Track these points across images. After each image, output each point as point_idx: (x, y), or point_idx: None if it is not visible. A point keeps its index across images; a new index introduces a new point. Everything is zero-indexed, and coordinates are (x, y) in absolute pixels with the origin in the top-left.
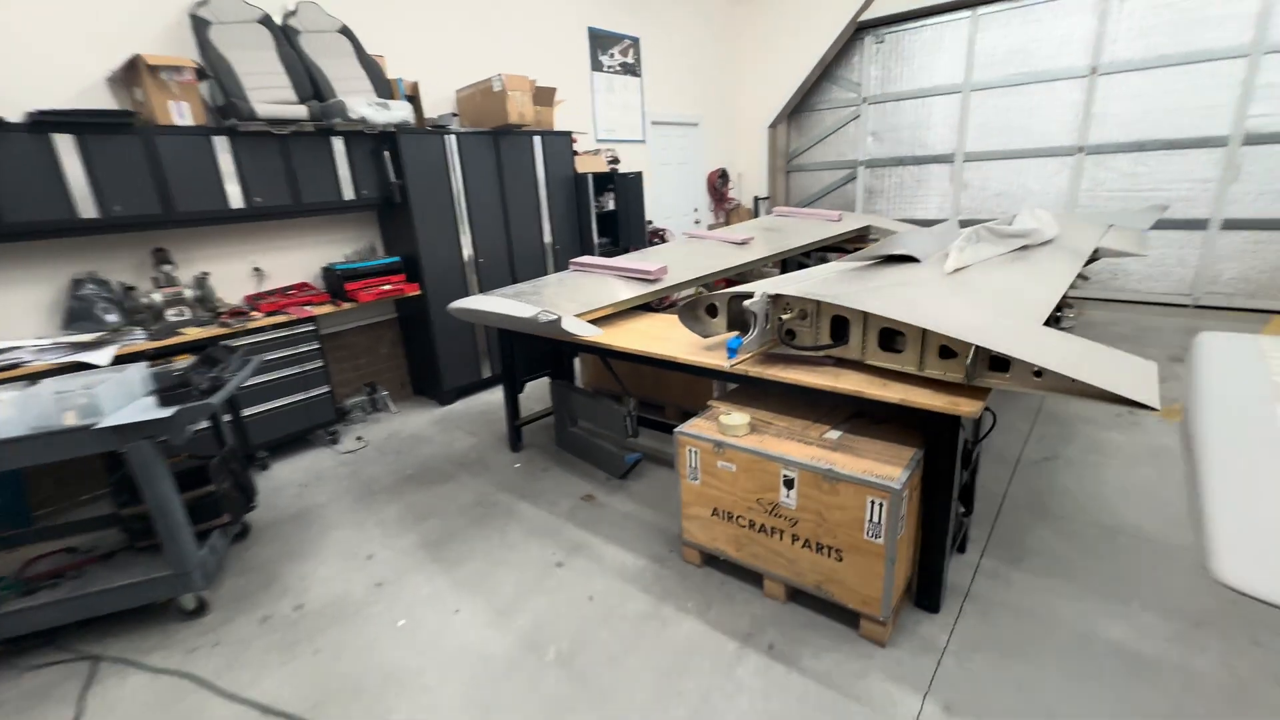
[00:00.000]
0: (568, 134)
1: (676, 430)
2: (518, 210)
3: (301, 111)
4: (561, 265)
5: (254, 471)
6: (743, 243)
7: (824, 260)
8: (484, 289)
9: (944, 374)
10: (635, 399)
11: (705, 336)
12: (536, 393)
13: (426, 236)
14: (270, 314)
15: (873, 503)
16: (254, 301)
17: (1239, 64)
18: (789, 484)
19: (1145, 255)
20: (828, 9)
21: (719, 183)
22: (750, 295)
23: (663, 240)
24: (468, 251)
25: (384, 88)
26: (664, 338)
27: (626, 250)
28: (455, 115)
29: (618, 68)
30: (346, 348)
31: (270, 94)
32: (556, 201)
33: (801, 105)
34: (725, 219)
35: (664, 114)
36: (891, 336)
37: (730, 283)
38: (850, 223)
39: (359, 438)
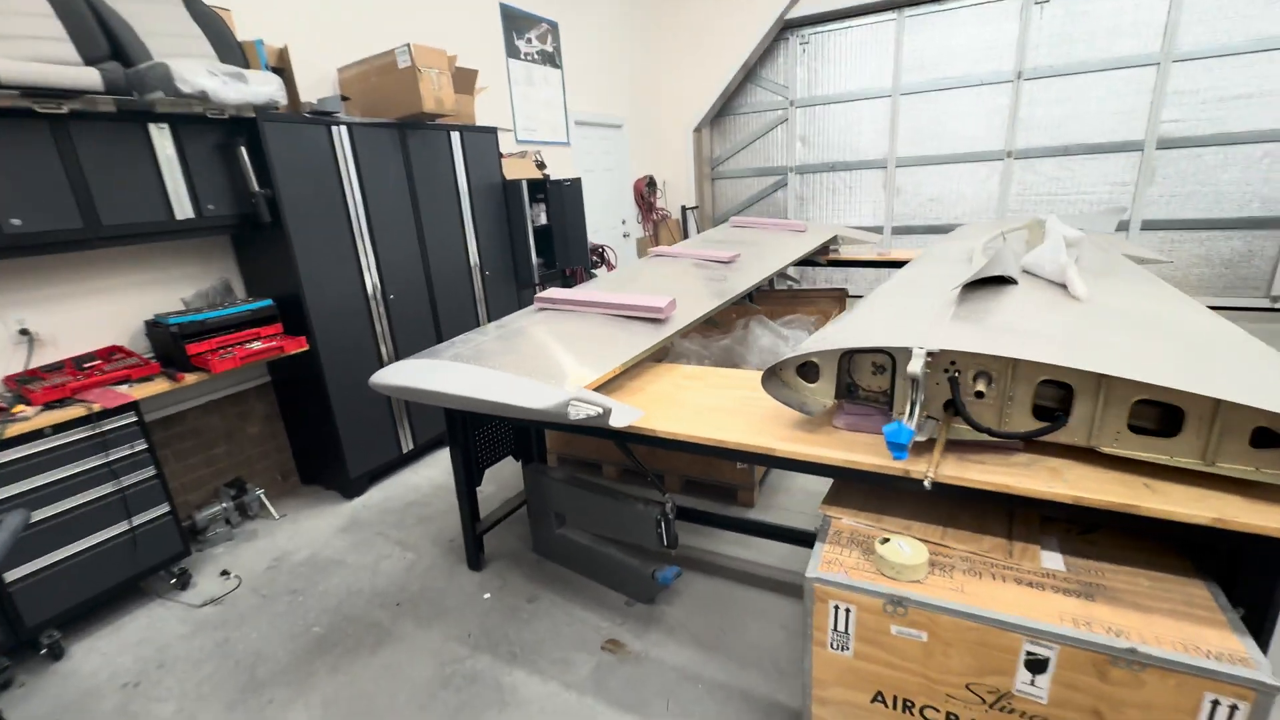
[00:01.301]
0: (493, 131)
1: (812, 577)
2: (436, 227)
3: (89, 78)
4: (494, 294)
5: (32, 670)
6: (729, 261)
7: (786, 280)
8: (398, 332)
9: (1256, 472)
10: (666, 491)
11: (804, 411)
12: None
13: (312, 267)
14: (51, 405)
15: (1215, 704)
16: (20, 386)
17: (1150, 71)
18: (1036, 665)
19: (1169, 262)
20: (752, 6)
21: (646, 191)
22: (879, 350)
23: (602, 260)
24: (372, 284)
25: (232, 52)
26: (718, 408)
27: (565, 275)
28: (343, 98)
29: (536, 55)
30: (195, 434)
31: (26, 47)
32: (483, 215)
33: (725, 109)
34: (653, 232)
35: (587, 113)
36: (1142, 409)
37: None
38: (816, 234)
39: (225, 572)
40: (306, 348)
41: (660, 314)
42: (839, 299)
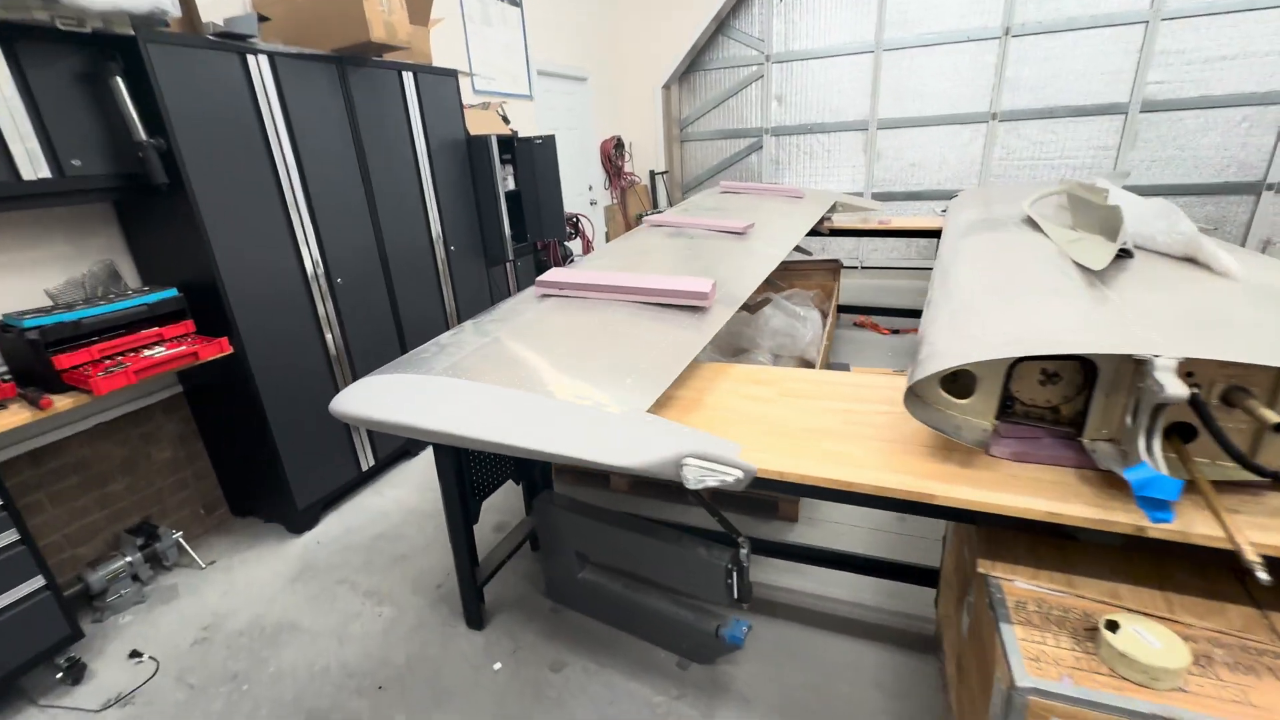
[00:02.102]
0: (453, 74)
1: (1026, 687)
2: (390, 192)
3: None
4: (461, 275)
5: None
6: (743, 232)
7: (800, 252)
8: (349, 325)
9: None
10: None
11: (960, 438)
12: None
13: (230, 244)
14: None
15: None
16: None
17: (1138, 30)
18: None
19: (1214, 230)
20: None
21: (615, 154)
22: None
23: (577, 231)
24: (312, 265)
25: None
26: (820, 430)
27: (537, 249)
28: (260, 18)
29: None
30: (80, 469)
31: None
32: (445, 178)
33: (696, 64)
34: (621, 199)
35: (550, 63)
36: None
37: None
38: (816, 201)
39: (135, 653)
40: (230, 350)
41: (704, 300)
42: (834, 271)
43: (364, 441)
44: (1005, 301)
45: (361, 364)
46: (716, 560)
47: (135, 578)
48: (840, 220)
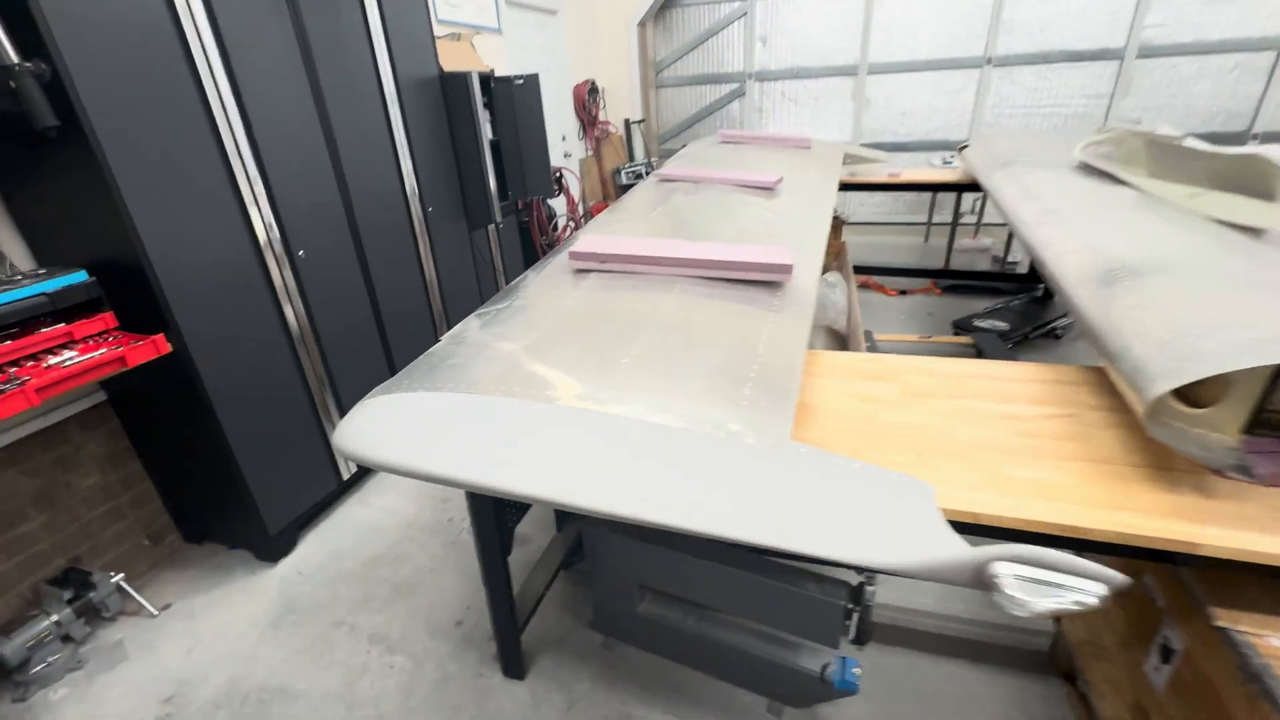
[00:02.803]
0: None
1: None
2: (354, 139)
3: None
4: (441, 241)
5: None
6: (772, 187)
7: None
8: (316, 308)
9: None
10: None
11: (1207, 460)
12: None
13: (152, 206)
14: None
15: None
16: None
17: None
18: None
19: None
20: None
21: (589, 100)
22: None
23: (560, 187)
24: (266, 233)
25: None
26: (989, 445)
27: (518, 209)
28: None
29: None
30: None
31: None
32: (419, 124)
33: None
34: (596, 150)
35: None
36: None
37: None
38: (826, 152)
39: None
40: (168, 350)
41: (787, 275)
42: (836, 228)
43: None
44: (1224, 282)
45: (334, 354)
46: (833, 598)
47: (67, 638)
48: (846, 172)
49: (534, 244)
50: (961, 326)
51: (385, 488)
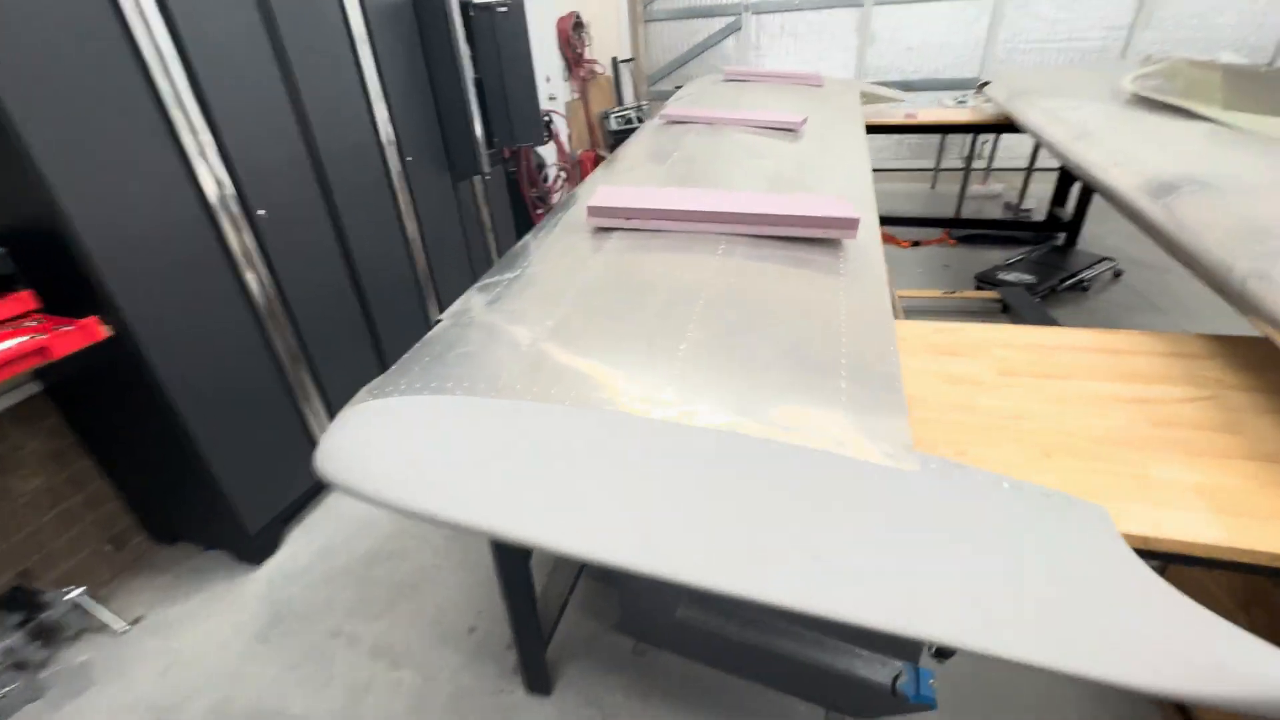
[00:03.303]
0: None
1: None
2: (317, 76)
3: None
4: (423, 194)
5: None
6: (797, 129)
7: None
8: (285, 278)
9: None
10: None
11: None
12: None
13: (73, 163)
14: None
15: None
16: None
17: None
18: None
19: None
20: None
21: (574, 36)
22: None
23: (550, 133)
24: (218, 190)
25: None
26: (1130, 441)
27: (505, 158)
28: None
29: None
30: None
31: None
32: (391, 58)
33: None
34: (582, 91)
35: None
36: None
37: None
38: (839, 89)
39: None
40: (106, 335)
41: (851, 231)
42: None
43: (325, 426)
44: None
45: (309, 328)
46: None
47: (20, 666)
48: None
49: (523, 197)
50: (985, 280)
51: None
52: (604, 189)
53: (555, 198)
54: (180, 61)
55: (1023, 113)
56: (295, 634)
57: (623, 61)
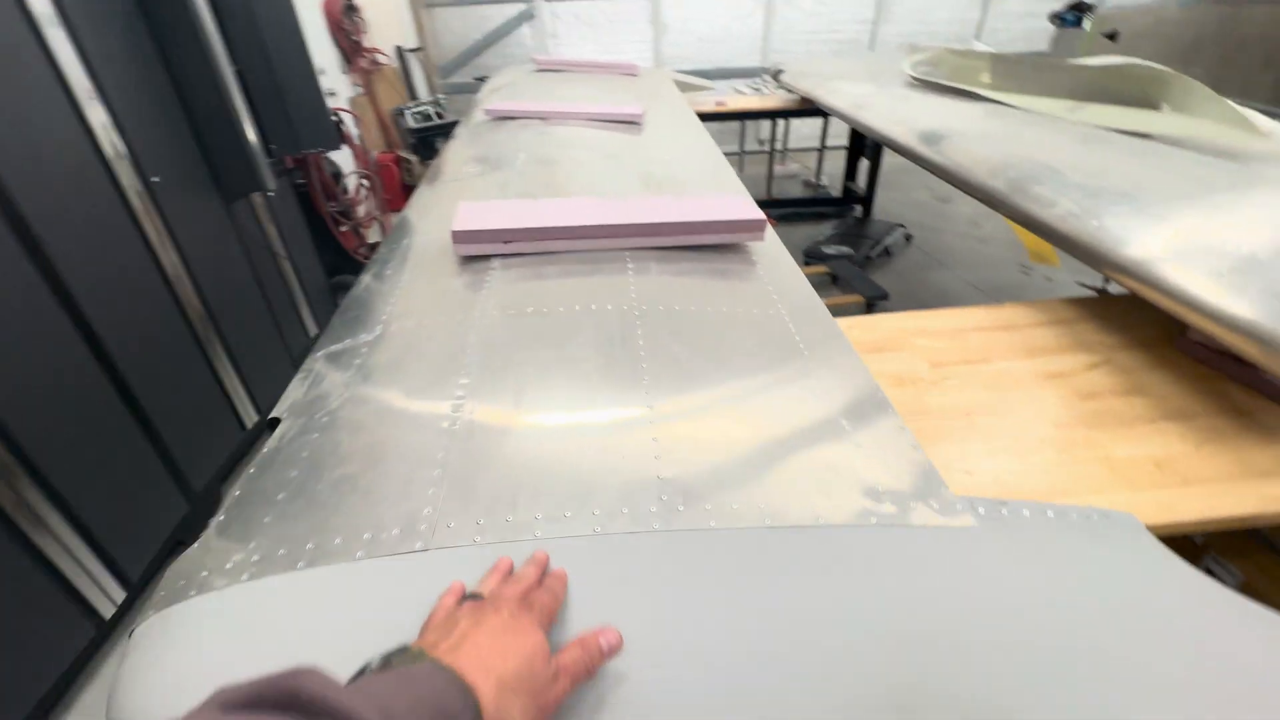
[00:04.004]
0: None
1: None
2: None
3: None
4: (181, 213)
5: None
6: (637, 120)
7: None
8: None
9: None
10: None
11: None
12: None
13: None
14: None
15: None
16: None
17: None
18: None
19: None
20: None
21: (346, 22)
22: None
23: (341, 136)
24: None
25: None
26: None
27: (289, 169)
28: None
29: None
30: None
31: None
32: (99, 40)
33: None
34: (367, 86)
35: None
36: None
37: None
38: (654, 79)
39: None
40: None
41: (759, 232)
42: None
43: (85, 563)
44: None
45: (35, 446)
46: None
47: None
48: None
49: (321, 214)
50: (813, 255)
51: None
52: (466, 208)
53: (361, 210)
54: None
55: (820, 94)
56: None
57: (410, 51)
